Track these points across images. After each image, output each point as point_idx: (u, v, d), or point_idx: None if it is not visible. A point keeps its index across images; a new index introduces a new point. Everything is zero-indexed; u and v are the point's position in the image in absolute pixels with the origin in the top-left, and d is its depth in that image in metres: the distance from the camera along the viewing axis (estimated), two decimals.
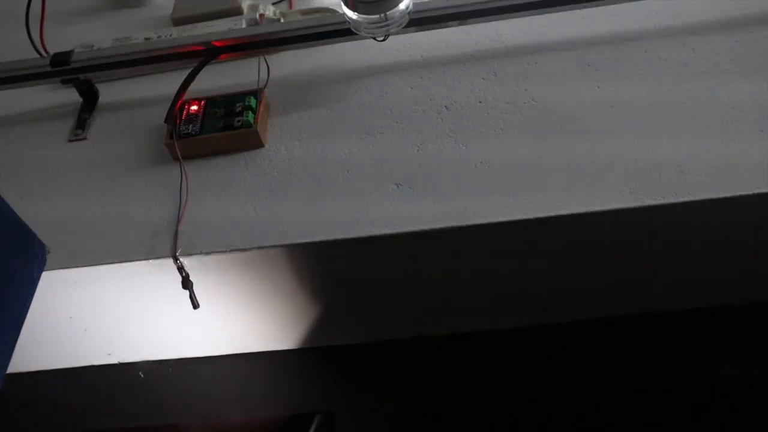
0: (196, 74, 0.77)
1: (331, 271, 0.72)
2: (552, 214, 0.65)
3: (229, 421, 0.76)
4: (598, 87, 0.74)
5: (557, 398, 0.75)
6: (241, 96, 0.78)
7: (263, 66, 0.81)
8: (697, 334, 0.76)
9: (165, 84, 0.83)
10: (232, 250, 0.69)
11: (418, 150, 0.73)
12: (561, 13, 0.77)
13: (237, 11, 0.91)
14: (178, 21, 0.92)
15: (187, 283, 0.70)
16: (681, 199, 0.64)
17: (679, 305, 0.77)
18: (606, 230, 0.67)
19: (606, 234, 0.68)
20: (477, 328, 0.79)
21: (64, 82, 0.84)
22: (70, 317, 0.77)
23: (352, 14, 0.69)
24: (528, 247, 0.70)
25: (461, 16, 0.77)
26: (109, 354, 0.83)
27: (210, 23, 0.89)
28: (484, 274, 0.73)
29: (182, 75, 0.78)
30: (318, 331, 0.80)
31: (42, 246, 0.55)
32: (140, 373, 0.82)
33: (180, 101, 0.77)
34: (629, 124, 0.70)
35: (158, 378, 0.81)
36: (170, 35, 0.87)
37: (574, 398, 0.74)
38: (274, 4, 0.91)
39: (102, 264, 0.70)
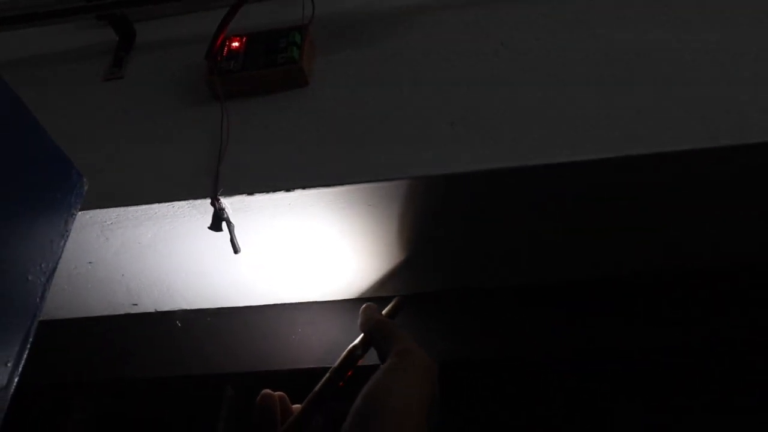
0: (239, 8, 0.73)
1: (379, 215, 0.68)
2: (619, 154, 0.61)
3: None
4: (668, 25, 0.69)
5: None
6: (285, 32, 0.74)
7: (308, 2, 0.77)
8: None
9: (205, 22, 0.79)
10: (276, 191, 0.65)
11: (473, 89, 0.68)
12: None
13: None
14: None
15: (229, 225, 0.67)
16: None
17: None
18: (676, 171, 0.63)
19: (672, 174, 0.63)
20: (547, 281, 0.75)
21: (99, 17, 0.81)
22: (102, 261, 0.74)
23: None
24: (591, 191, 0.66)
25: None
26: (135, 304, 0.81)
27: None
28: (543, 223, 0.69)
29: (222, 13, 0.74)
30: (360, 281, 0.77)
31: (80, 176, 0.52)
32: (177, 322, 0.79)
33: (221, 37, 0.74)
34: (702, 67, 0.65)
35: (196, 327, 0.78)
36: None
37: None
38: None
39: (140, 204, 0.67)
